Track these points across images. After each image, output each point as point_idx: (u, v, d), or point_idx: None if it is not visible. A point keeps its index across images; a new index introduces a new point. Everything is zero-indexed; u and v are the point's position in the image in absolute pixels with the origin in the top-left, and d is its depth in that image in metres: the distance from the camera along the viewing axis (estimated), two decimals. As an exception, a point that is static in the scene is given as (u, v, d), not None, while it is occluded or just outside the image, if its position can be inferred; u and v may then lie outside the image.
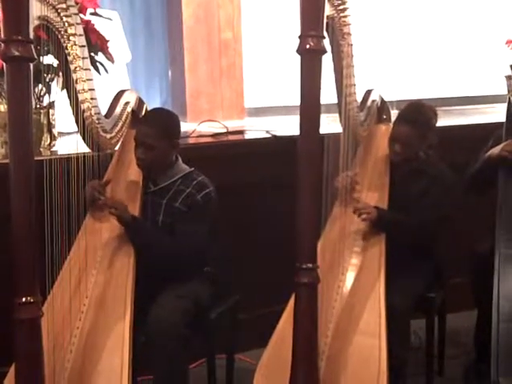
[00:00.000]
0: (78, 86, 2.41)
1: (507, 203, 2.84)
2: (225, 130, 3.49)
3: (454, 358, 3.17)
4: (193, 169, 2.67)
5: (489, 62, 4.63)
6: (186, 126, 3.62)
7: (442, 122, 3.00)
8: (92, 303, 2.37)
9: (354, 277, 2.59)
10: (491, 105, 4.46)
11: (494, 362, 2.36)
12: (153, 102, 4.16)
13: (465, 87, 4.76)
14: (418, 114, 2.87)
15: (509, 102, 3.15)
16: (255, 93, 4.28)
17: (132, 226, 2.48)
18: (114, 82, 3.57)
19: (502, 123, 3.16)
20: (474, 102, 4.70)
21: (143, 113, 2.81)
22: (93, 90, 2.45)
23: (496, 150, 2.89)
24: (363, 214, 2.65)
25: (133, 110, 2.77)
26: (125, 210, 2.48)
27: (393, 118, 3.01)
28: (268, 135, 3.41)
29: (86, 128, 2.50)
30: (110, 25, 3.44)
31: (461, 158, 3.18)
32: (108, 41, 2.97)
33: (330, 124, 2.67)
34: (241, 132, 3.54)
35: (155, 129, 2.55)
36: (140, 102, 2.82)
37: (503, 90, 3.27)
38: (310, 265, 2.10)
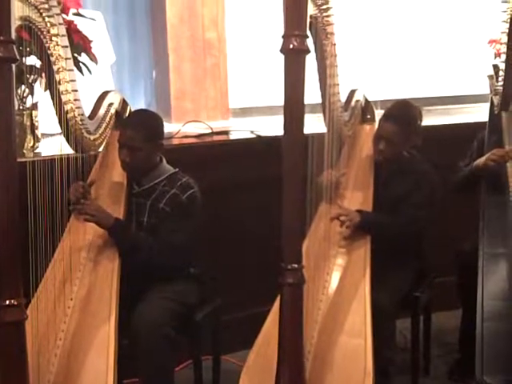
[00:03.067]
0: (62, 87, 2.40)
1: (490, 204, 2.87)
2: (209, 131, 3.48)
3: (440, 357, 3.19)
4: (177, 170, 2.67)
5: (472, 62, 4.65)
6: (170, 127, 3.61)
7: (426, 121, 3.02)
8: (77, 305, 2.36)
9: (339, 277, 2.60)
10: (474, 104, 4.48)
11: (478, 361, 2.36)
12: (137, 103, 4.14)
13: (448, 87, 4.78)
14: (403, 112, 2.88)
15: (491, 102, 3.17)
16: (240, 93, 4.27)
17: (114, 230, 2.47)
18: (98, 82, 3.55)
19: (485, 123, 3.18)
20: (458, 102, 4.72)
21: (127, 114, 2.80)
22: (76, 91, 2.44)
23: (482, 160, 2.92)
24: (345, 221, 2.65)
25: (117, 112, 2.76)
26: (103, 216, 2.46)
27: (377, 118, 3.02)
28: (253, 135, 3.41)
29: (69, 129, 2.48)
30: (94, 25, 3.42)
31: (444, 158, 3.20)
32: (91, 41, 2.96)
33: (314, 124, 2.67)
34: (225, 132, 3.54)
35: (139, 131, 2.54)
36: (124, 103, 2.81)
37: (486, 90, 3.29)
38: (295, 265, 2.10)
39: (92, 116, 2.64)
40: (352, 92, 3.00)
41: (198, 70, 4.07)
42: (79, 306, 2.35)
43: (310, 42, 2.15)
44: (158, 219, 2.57)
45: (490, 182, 2.95)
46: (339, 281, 2.59)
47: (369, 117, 3.11)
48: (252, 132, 3.45)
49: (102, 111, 2.69)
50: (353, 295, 2.50)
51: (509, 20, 2.82)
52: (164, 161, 2.67)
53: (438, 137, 3.43)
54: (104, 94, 2.73)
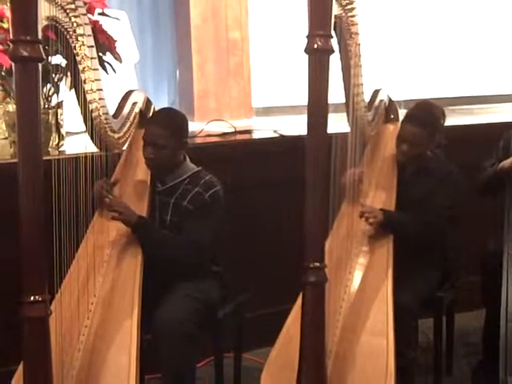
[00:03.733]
0: (87, 86, 2.42)
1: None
2: (232, 130, 3.49)
3: (462, 357, 3.17)
4: (200, 168, 2.68)
5: (497, 61, 4.61)
6: (193, 126, 3.62)
7: (450, 121, 3.00)
8: (100, 302, 2.38)
9: (361, 276, 2.59)
10: (499, 104, 4.45)
11: (502, 362, 2.35)
12: (161, 102, 4.16)
13: (473, 86, 4.75)
14: (426, 113, 2.87)
15: (518, 102, 3.14)
16: (263, 92, 4.28)
17: (138, 227, 2.49)
18: (122, 82, 3.58)
19: (511, 123, 3.15)
20: (482, 102, 4.68)
21: (151, 113, 2.82)
22: (101, 90, 2.46)
23: (508, 162, 2.89)
24: (369, 218, 2.64)
25: (140, 111, 2.78)
26: (129, 214, 2.48)
27: (400, 118, 3.01)
28: (276, 135, 3.42)
29: (94, 128, 2.50)
30: (118, 25, 3.45)
31: (469, 158, 3.18)
32: (116, 41, 2.98)
33: (337, 123, 2.67)
34: (248, 131, 3.55)
35: (164, 128, 2.55)
36: (148, 103, 2.82)
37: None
38: (317, 264, 2.11)
39: (116, 115, 2.65)
40: (376, 92, 2.99)
41: (222, 70, 4.08)
42: (102, 302, 2.37)
43: (334, 42, 2.14)
44: (181, 217, 2.58)
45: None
46: (361, 280, 2.58)
47: (392, 116, 3.10)
48: (275, 131, 3.45)
49: (126, 110, 2.70)
50: (375, 294, 2.50)
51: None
52: (187, 159, 2.68)
53: (462, 137, 3.41)
54: (128, 93, 2.75)
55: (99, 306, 2.37)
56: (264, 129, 3.60)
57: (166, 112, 2.79)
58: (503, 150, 3.07)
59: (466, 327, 3.36)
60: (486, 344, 3.01)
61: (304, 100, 2.13)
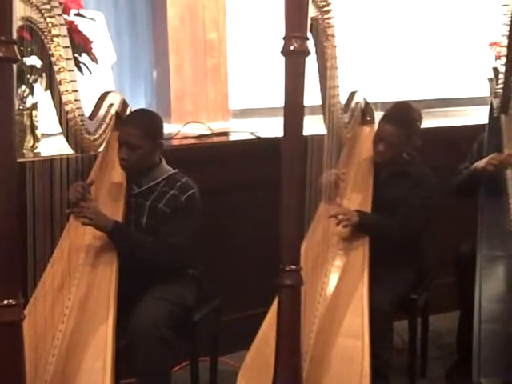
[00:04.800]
0: (62, 88, 2.40)
1: (488, 207, 2.88)
2: (209, 132, 3.48)
3: (437, 358, 3.19)
4: (177, 170, 2.67)
5: (472, 64, 4.66)
6: (170, 128, 3.61)
7: (426, 123, 3.02)
8: (75, 306, 2.36)
9: (337, 278, 2.60)
10: (474, 107, 4.49)
11: (475, 363, 2.37)
12: (137, 103, 4.14)
13: (448, 89, 4.79)
14: (403, 114, 2.89)
15: (491, 105, 3.18)
16: (240, 94, 4.27)
17: (113, 233, 2.47)
18: (99, 83, 3.55)
19: (485, 125, 3.19)
20: (457, 104, 4.72)
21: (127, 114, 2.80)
22: (76, 91, 2.45)
23: (481, 163, 2.93)
24: (343, 221, 2.65)
25: (117, 112, 2.76)
26: (102, 219, 2.46)
27: (377, 120, 3.02)
28: (252, 137, 3.41)
29: (69, 129, 2.49)
30: (95, 25, 3.42)
31: (444, 160, 3.21)
32: (92, 42, 2.96)
33: (314, 125, 2.67)
34: (225, 134, 3.54)
35: (138, 129, 2.54)
36: (124, 104, 2.81)
37: (486, 92, 3.29)
38: (293, 266, 2.11)
39: (92, 116, 2.65)
40: (352, 94, 3.01)
41: (199, 71, 4.07)
42: (77, 307, 2.35)
43: (310, 44, 2.15)
44: (158, 220, 2.57)
45: (489, 186, 2.96)
46: (337, 282, 2.59)
47: (368, 119, 3.11)
48: (252, 133, 3.45)
49: (102, 112, 2.69)
50: (351, 297, 2.51)
51: (509, 23, 2.83)
52: (163, 161, 2.67)
53: (437, 139, 3.44)
54: (104, 95, 2.74)
55: (74, 310, 2.35)
56: (241, 131, 3.60)
57: (141, 113, 2.78)
58: (477, 153, 3.11)
59: (440, 329, 3.39)
60: (460, 345, 3.03)
61: (281, 102, 2.12)
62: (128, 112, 2.82)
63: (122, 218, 2.57)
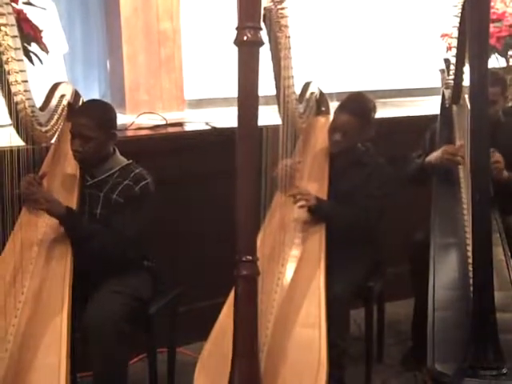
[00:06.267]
0: (11, 78, 2.35)
1: (441, 196, 2.92)
2: (164, 122, 3.46)
3: (393, 345, 3.24)
4: (131, 161, 2.65)
5: (424, 55, 4.71)
6: (124, 119, 3.58)
7: (380, 114, 3.05)
8: (28, 300, 2.32)
9: (294, 268, 2.61)
10: (427, 97, 4.54)
11: (430, 349, 2.40)
12: (91, 94, 4.08)
13: (401, 80, 4.84)
14: (358, 104, 2.91)
15: (443, 96, 3.22)
16: (195, 84, 4.25)
17: (66, 219, 2.44)
18: (51, 73, 3.49)
19: (437, 116, 3.23)
20: (410, 95, 4.78)
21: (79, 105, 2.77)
22: (26, 81, 2.39)
23: (433, 157, 2.97)
24: (301, 200, 2.66)
25: (69, 103, 2.73)
26: (55, 204, 2.43)
27: (332, 110, 3.04)
28: (207, 127, 3.40)
29: (19, 121, 2.44)
30: (45, 14, 3.36)
31: (398, 150, 3.24)
32: (42, 31, 2.91)
33: (268, 116, 2.67)
34: (180, 124, 3.51)
35: (91, 120, 2.51)
36: (76, 95, 2.78)
37: (438, 83, 3.33)
38: (249, 257, 2.10)
39: (43, 107, 2.61)
40: (306, 84, 3.01)
41: (153, 61, 4.03)
42: (31, 301, 2.31)
43: (264, 34, 2.14)
44: (111, 211, 2.55)
45: (441, 175, 3.00)
46: (294, 272, 2.59)
47: (323, 109, 3.13)
48: (207, 124, 3.43)
49: (53, 103, 2.66)
50: (307, 286, 2.52)
51: (460, 14, 2.86)
52: (117, 152, 2.65)
53: (391, 129, 3.47)
54: (56, 86, 2.70)
55: (27, 304, 2.30)
56: (196, 121, 3.58)
57: (93, 103, 2.76)
58: (430, 141, 3.15)
59: (395, 316, 3.44)
60: (415, 332, 3.08)
61: (235, 92, 2.11)
62: (80, 103, 2.78)
63: (76, 208, 2.54)
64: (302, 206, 2.68)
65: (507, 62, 4.07)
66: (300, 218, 2.72)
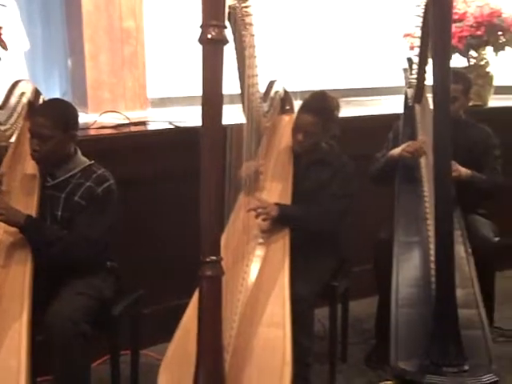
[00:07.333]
0: (-32, 75, 2.30)
1: (404, 195, 2.95)
2: (127, 121, 3.42)
3: (357, 344, 3.25)
4: (92, 162, 2.61)
5: (388, 55, 4.75)
6: (86, 117, 3.53)
7: (344, 112, 3.05)
8: (-14, 303, 2.27)
9: (258, 268, 2.60)
10: (390, 96, 4.58)
11: (393, 347, 2.42)
12: (52, 92, 4.02)
13: (364, 79, 4.87)
14: (321, 103, 2.91)
15: (406, 95, 3.25)
16: (158, 83, 4.21)
17: (26, 228, 2.40)
18: (11, 71, 3.43)
19: (400, 115, 3.26)
20: (374, 94, 4.81)
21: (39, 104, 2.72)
22: (-17, 79, 2.35)
23: (396, 151, 2.99)
24: (262, 214, 2.65)
25: (29, 101, 2.68)
26: (14, 214, 2.39)
27: (296, 109, 3.03)
28: (171, 126, 3.37)
29: (-23, 119, 2.39)
30: (6, 11, 3.29)
31: (362, 149, 3.25)
32: (1, 28, 2.86)
33: (233, 114, 2.66)
34: (143, 123, 3.48)
35: (49, 119, 2.47)
36: (36, 93, 2.73)
37: (401, 82, 3.36)
38: (213, 257, 2.09)
39: (3, 106, 2.58)
40: (271, 83, 3.00)
41: (116, 60, 3.98)
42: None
43: (228, 33, 2.13)
44: (73, 213, 2.51)
45: (404, 174, 3.03)
46: (258, 272, 2.59)
47: (288, 108, 3.12)
48: (170, 123, 3.40)
49: (13, 101, 2.61)
50: (272, 286, 2.51)
51: (422, 14, 2.89)
52: (79, 152, 2.61)
53: (355, 128, 3.49)
54: (15, 83, 2.65)
55: (-14, 307, 2.26)
56: (159, 120, 3.55)
57: (53, 103, 2.71)
58: (393, 141, 3.17)
59: (359, 314, 3.45)
60: (379, 330, 3.10)
61: (199, 91, 2.10)
62: (41, 101, 2.73)
63: (36, 211, 2.50)
64: (264, 220, 2.67)
65: (468, 61, 4.12)
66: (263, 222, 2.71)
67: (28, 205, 2.47)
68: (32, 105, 2.69)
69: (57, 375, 2.38)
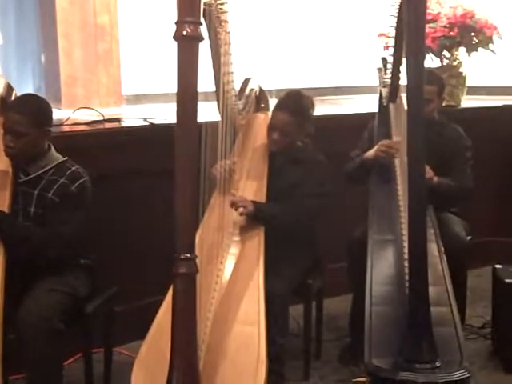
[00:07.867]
0: None
1: (378, 194, 2.97)
2: (101, 118, 3.39)
3: (331, 341, 3.26)
4: (66, 158, 2.59)
5: (362, 54, 4.77)
6: (60, 114, 3.49)
7: (319, 111, 3.07)
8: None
9: (233, 266, 2.60)
10: (364, 95, 4.61)
11: (367, 345, 2.43)
12: (25, 88, 3.97)
13: (339, 78, 4.89)
14: (296, 102, 2.91)
15: (380, 94, 3.27)
16: (133, 79, 4.19)
17: None
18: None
19: (375, 114, 3.27)
20: (348, 93, 4.83)
21: (12, 99, 2.68)
22: (-44, 74, 2.31)
23: (371, 152, 3.01)
24: (240, 207, 2.66)
25: (1, 97, 2.64)
26: None
27: (271, 107, 3.04)
28: (146, 123, 3.35)
29: (-51, 115, 2.35)
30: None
31: (336, 147, 3.27)
32: (-27, 22, 2.81)
33: (208, 112, 2.65)
34: (118, 120, 3.45)
35: (23, 115, 2.45)
36: (9, 88, 2.69)
37: (376, 82, 3.38)
38: (187, 255, 2.08)
39: (-26, 101, 2.53)
40: (246, 80, 3.00)
41: (90, 56, 3.94)
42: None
43: (204, 30, 2.12)
44: (47, 209, 2.49)
45: (379, 173, 3.05)
46: (233, 270, 2.59)
47: (263, 106, 3.12)
48: (145, 119, 3.38)
49: (-16, 97, 2.57)
50: (246, 284, 2.52)
51: (397, 14, 2.90)
52: (52, 149, 2.59)
53: (330, 126, 3.50)
54: (-13, 79, 2.61)
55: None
56: (133, 117, 3.52)
57: (26, 98, 2.68)
58: (368, 140, 3.19)
59: (334, 312, 3.47)
60: (353, 327, 3.12)
61: (174, 88, 2.09)
62: (13, 97, 2.70)
63: (9, 207, 2.47)
64: (241, 214, 2.67)
65: (441, 62, 4.15)
66: (239, 218, 2.71)
67: (0, 201, 2.44)
68: (4, 100, 2.65)
69: (29, 373, 2.36)
